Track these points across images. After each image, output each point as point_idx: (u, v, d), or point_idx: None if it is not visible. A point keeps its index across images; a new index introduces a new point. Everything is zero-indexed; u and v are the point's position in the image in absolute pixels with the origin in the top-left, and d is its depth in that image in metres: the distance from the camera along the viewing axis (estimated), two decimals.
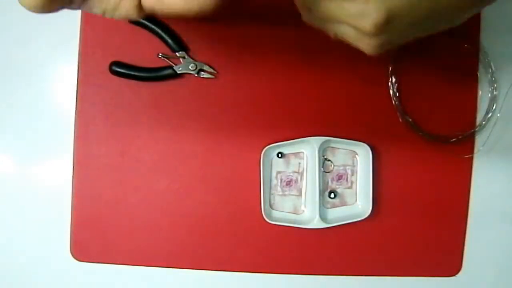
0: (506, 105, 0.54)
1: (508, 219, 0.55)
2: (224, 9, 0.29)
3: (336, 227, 0.52)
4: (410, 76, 0.53)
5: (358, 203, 0.53)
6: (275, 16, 0.52)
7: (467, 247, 0.54)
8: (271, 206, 0.53)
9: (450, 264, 0.55)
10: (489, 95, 0.54)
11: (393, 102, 0.53)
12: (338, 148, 0.53)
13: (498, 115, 0.54)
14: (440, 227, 0.54)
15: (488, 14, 0.53)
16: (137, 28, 0.51)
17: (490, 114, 0.54)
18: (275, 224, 0.51)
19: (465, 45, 0.53)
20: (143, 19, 0.50)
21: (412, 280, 0.54)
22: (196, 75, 0.51)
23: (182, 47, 0.51)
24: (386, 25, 0.29)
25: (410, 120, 0.53)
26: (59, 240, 0.52)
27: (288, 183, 0.53)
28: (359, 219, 0.52)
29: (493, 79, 0.54)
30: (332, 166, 0.53)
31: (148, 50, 0.51)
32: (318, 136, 0.51)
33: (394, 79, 0.53)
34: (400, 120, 0.53)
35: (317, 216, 0.51)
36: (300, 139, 0.51)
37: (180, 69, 0.51)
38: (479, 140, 0.54)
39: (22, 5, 0.28)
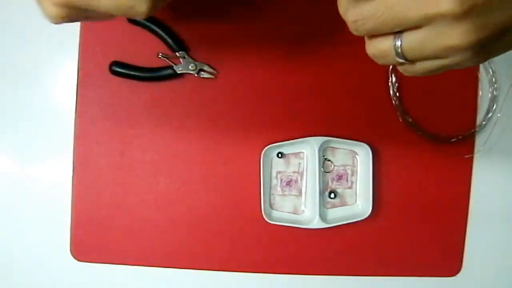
0: (506, 105, 0.54)
1: (508, 219, 0.55)
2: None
3: (336, 227, 0.52)
4: (410, 76, 0.53)
5: (358, 203, 0.53)
6: (275, 16, 0.52)
7: (467, 247, 0.54)
8: (271, 206, 0.53)
9: (450, 264, 0.55)
10: (489, 95, 0.54)
11: (393, 102, 0.53)
12: (338, 148, 0.53)
13: (498, 115, 0.54)
14: (440, 227, 0.54)
15: None
16: (137, 28, 0.51)
17: (490, 114, 0.54)
18: (275, 224, 0.51)
19: None
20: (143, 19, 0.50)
21: (412, 280, 0.54)
22: (196, 75, 0.51)
23: (182, 47, 0.51)
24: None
25: (410, 120, 0.53)
26: (59, 240, 0.52)
27: (288, 183, 0.53)
28: (359, 219, 0.52)
29: (493, 79, 0.54)
30: (332, 166, 0.53)
31: (148, 50, 0.51)
32: (318, 136, 0.52)
33: (394, 79, 0.53)
34: (400, 120, 0.53)
35: (317, 216, 0.51)
36: (300, 139, 0.51)
37: (180, 69, 0.51)
38: (479, 140, 0.54)
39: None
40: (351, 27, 0.29)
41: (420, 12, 0.26)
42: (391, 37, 0.29)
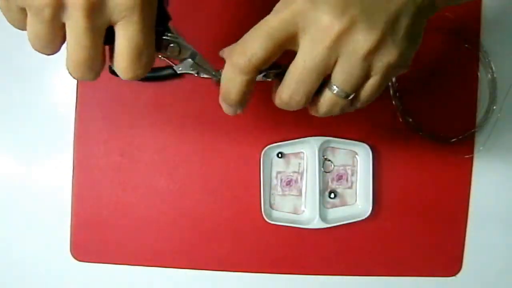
0: (506, 105, 0.54)
1: (508, 219, 0.55)
2: None
3: (336, 227, 0.52)
4: (410, 76, 0.53)
5: (358, 203, 0.53)
6: None
7: (467, 247, 0.54)
8: (271, 206, 0.53)
9: (450, 264, 0.55)
10: (489, 95, 0.54)
11: (393, 102, 0.53)
12: (338, 148, 0.53)
13: (498, 115, 0.54)
14: (440, 227, 0.54)
15: (488, 14, 0.53)
16: None
17: (490, 114, 0.54)
18: (275, 224, 0.51)
19: (465, 45, 0.53)
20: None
21: (412, 280, 0.54)
22: (196, 75, 0.51)
23: None
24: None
25: (410, 120, 0.53)
26: (59, 240, 0.52)
27: (288, 183, 0.53)
28: (359, 219, 0.52)
29: (493, 79, 0.54)
30: (332, 166, 0.53)
31: None
32: (318, 136, 0.52)
33: (394, 79, 0.53)
34: (400, 120, 0.53)
35: (317, 216, 0.51)
36: (300, 139, 0.51)
37: (180, 69, 0.51)
38: (479, 140, 0.54)
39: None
40: (290, 104, 0.32)
41: (320, 52, 0.28)
42: (326, 90, 0.31)
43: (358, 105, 0.32)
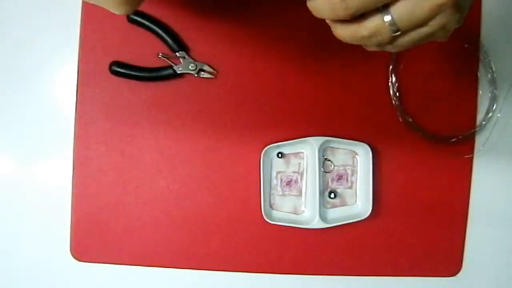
0: (506, 105, 0.54)
1: (508, 219, 0.55)
2: None
3: (336, 227, 0.52)
4: (410, 75, 0.53)
5: (358, 203, 0.53)
6: (276, 16, 0.52)
7: (467, 247, 0.54)
8: (271, 206, 0.53)
9: (450, 264, 0.55)
10: (489, 95, 0.54)
11: (393, 102, 0.53)
12: (338, 148, 0.53)
13: (498, 115, 0.54)
14: (440, 227, 0.54)
15: (488, 14, 0.53)
16: (137, 28, 0.51)
17: (490, 114, 0.54)
18: (275, 224, 0.51)
19: (465, 45, 0.53)
20: (142, 18, 0.50)
21: (412, 280, 0.54)
22: (196, 75, 0.51)
23: (182, 47, 0.51)
24: None
25: (410, 120, 0.53)
26: (59, 240, 0.52)
27: (288, 183, 0.53)
28: (359, 219, 0.52)
29: (493, 79, 0.54)
30: (332, 166, 0.53)
31: (148, 50, 0.51)
32: (318, 136, 0.52)
33: (394, 79, 0.53)
34: (400, 120, 0.53)
35: (317, 216, 0.51)
36: (300, 139, 0.51)
37: (180, 69, 0.51)
38: (479, 140, 0.54)
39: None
40: (338, 8, 0.29)
41: None
42: (379, 14, 0.30)
43: (391, 47, 0.32)
